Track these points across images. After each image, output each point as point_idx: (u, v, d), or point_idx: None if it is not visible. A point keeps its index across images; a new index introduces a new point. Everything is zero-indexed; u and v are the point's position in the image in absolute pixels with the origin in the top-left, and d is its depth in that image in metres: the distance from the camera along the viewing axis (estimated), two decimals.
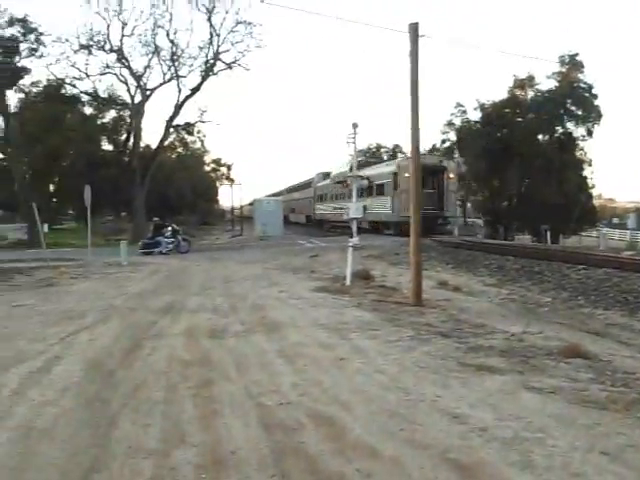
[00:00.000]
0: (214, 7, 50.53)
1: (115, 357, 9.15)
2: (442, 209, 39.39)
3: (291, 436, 5.87)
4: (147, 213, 51.13)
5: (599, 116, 60.29)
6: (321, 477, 5.09)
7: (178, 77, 52.47)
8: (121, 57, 51.76)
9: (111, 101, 56.64)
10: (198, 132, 63.76)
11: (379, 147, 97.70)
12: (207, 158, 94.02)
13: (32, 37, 49.81)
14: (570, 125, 61.76)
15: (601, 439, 5.72)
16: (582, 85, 60.41)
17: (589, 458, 5.35)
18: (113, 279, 20.53)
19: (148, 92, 53.03)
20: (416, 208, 14.65)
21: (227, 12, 54.42)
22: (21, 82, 52.76)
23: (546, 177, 56.74)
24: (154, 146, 56.98)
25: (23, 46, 49.69)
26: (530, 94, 63.66)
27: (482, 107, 65.08)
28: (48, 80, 53.83)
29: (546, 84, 62.50)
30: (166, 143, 58.56)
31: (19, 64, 49.93)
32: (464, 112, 68.13)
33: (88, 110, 58.24)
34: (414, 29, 14.35)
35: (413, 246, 14.55)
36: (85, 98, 55.86)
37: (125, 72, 52.73)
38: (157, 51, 52.12)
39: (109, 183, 52.19)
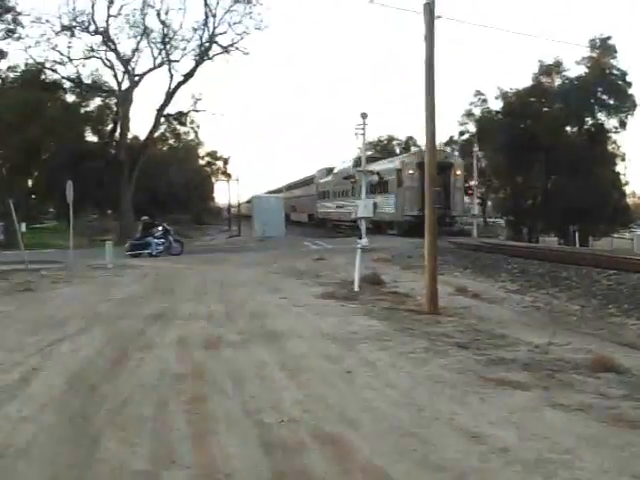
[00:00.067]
0: None
1: (99, 369, 9.15)
2: (449, 208, 39.94)
3: (293, 457, 5.87)
4: (135, 211, 50.82)
5: (633, 106, 60.25)
6: None
7: (170, 62, 52.62)
8: (107, 39, 51.84)
9: (96, 88, 56.45)
10: (191, 122, 63.78)
11: (391, 139, 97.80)
12: (201, 151, 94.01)
13: (9, 17, 49.91)
14: (601, 116, 61.85)
15: (633, 461, 5.70)
16: (615, 72, 60.37)
17: None
18: (98, 283, 20.54)
19: (137, 78, 53.22)
20: (431, 207, 14.66)
21: None
22: None
23: (574, 173, 56.61)
24: (143, 137, 57.28)
25: None
26: (557, 81, 63.67)
27: (504, 96, 65.09)
28: (27, 65, 53.86)
29: (575, 70, 62.52)
30: (156, 134, 58.64)
31: None
32: (484, 101, 68.30)
33: (71, 98, 58.16)
34: (429, 10, 14.33)
35: (428, 249, 14.55)
36: (67, 84, 55.90)
37: (111, 56, 52.93)
38: (147, 33, 52.26)
39: (93, 178, 52.17)
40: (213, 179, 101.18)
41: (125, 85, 53.25)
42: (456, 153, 62.36)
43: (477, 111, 69.30)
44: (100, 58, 52.94)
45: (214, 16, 51.20)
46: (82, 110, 59.02)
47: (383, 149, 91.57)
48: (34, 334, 11.76)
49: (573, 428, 6.52)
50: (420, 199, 38.16)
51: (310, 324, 12.64)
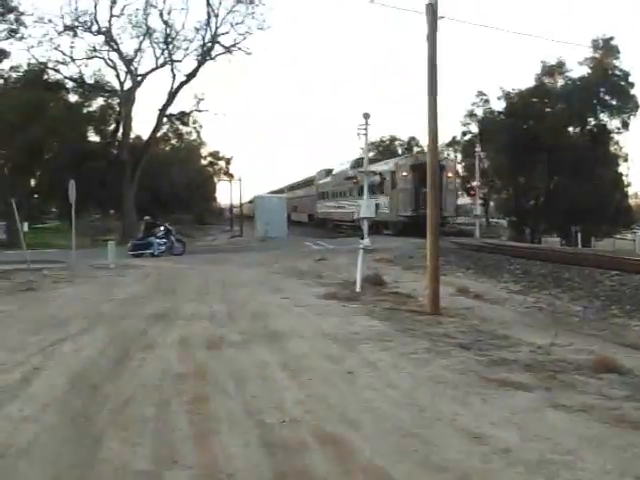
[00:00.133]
0: None
1: (102, 369, 9.15)
2: (440, 209, 39.09)
3: (294, 457, 5.86)
4: (137, 211, 50.67)
5: (636, 106, 60.19)
6: None
7: (172, 62, 52.57)
8: (109, 39, 51.82)
9: (98, 88, 56.39)
10: (194, 122, 63.76)
11: (393, 139, 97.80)
12: (204, 151, 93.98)
13: (11, 17, 49.86)
14: (604, 116, 61.78)
15: (635, 462, 5.69)
16: (617, 72, 60.33)
17: None
18: (100, 283, 20.55)
19: (139, 78, 53.18)
20: (433, 207, 14.67)
21: None
22: None
23: (577, 174, 56.56)
24: (145, 137, 57.18)
25: (1, 27, 49.73)
26: (560, 82, 63.62)
27: (507, 96, 65.06)
28: (29, 65, 53.77)
29: (577, 71, 62.47)
30: (159, 134, 58.63)
31: None
32: (487, 101, 68.27)
33: (73, 98, 58.11)
34: (432, 11, 14.32)
35: (430, 249, 14.55)
36: (70, 84, 55.86)
37: (114, 56, 52.92)
38: (149, 33, 52.21)
39: (96, 178, 52.13)
40: (215, 179, 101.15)
41: (127, 85, 53.29)
42: (448, 154, 62.44)
43: (479, 111, 69.31)
44: (103, 58, 53.03)
45: (216, 16, 51.22)
46: (85, 110, 58.94)
47: (385, 149, 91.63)
48: (36, 334, 11.77)
49: (575, 429, 6.51)
50: (413, 200, 40.96)
51: (312, 324, 12.64)
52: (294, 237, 48.29)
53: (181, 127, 64.40)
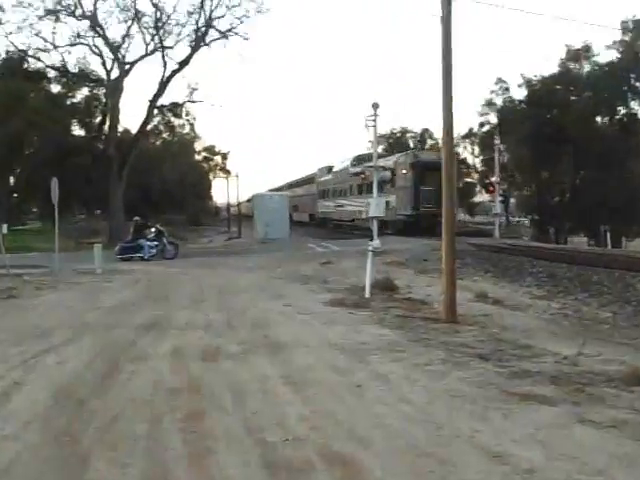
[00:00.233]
0: None
1: (88, 383, 9.17)
2: (439, 207, 40.57)
3: (299, 479, 5.87)
4: (126, 211, 50.63)
5: None
6: None
7: (163, 48, 52.44)
8: (95, 24, 51.64)
9: (83, 77, 56.43)
10: (187, 114, 63.85)
11: (404, 132, 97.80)
12: (198, 145, 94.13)
13: None
14: (635, 104, 61.67)
15: None
16: None
17: None
18: (86, 290, 20.58)
19: (127, 66, 53.02)
20: (448, 206, 14.70)
21: None
22: None
23: (605, 167, 56.41)
24: (134, 131, 57.08)
25: None
26: (586, 68, 63.48)
27: (528, 83, 64.95)
28: (8, 52, 53.79)
29: (605, 55, 62.32)
30: (149, 127, 58.64)
31: None
32: (507, 89, 68.18)
33: (56, 88, 58.30)
34: None
35: (446, 251, 14.54)
36: (52, 73, 55.95)
37: (99, 42, 52.69)
38: (138, 17, 52.09)
39: (81, 175, 52.31)
40: (211, 176, 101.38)
41: (115, 74, 53.11)
42: (464, 146, 62.38)
43: (499, 100, 69.27)
44: (87, 45, 52.75)
45: None
46: (68, 101, 59.07)
47: (396, 142, 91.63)
48: (17, 345, 11.79)
49: (605, 446, 6.50)
50: (413, 199, 42.89)
51: (317, 333, 12.66)
52: (296, 238, 48.31)
53: (173, 119, 64.56)
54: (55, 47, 52.20)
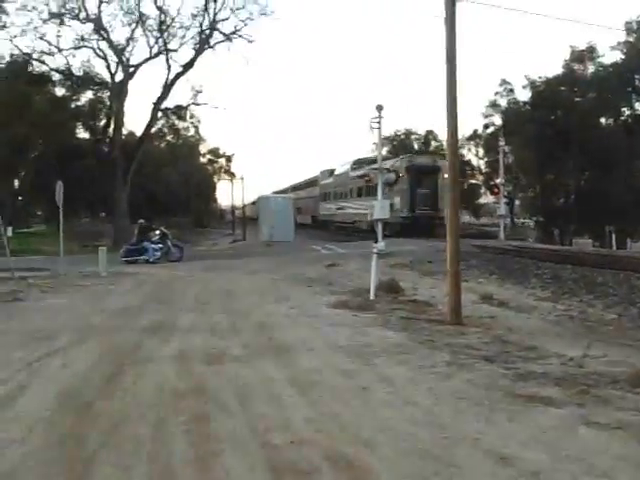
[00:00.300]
0: None
1: (93, 386, 9.16)
2: (437, 209, 44.33)
3: None
4: (131, 214, 50.66)
5: None
6: None
7: (167, 51, 52.60)
8: (99, 27, 51.78)
9: (87, 80, 56.48)
10: (191, 117, 64.07)
11: (409, 134, 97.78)
12: (202, 148, 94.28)
13: None
14: (639, 106, 61.46)
15: None
16: None
17: None
18: (90, 293, 20.59)
19: (131, 69, 53.22)
20: (453, 208, 14.64)
21: None
22: None
23: (610, 169, 56.21)
24: (139, 133, 57.18)
25: None
26: (591, 69, 63.34)
27: (532, 85, 64.86)
28: (12, 55, 53.85)
29: (610, 56, 62.16)
30: (153, 130, 58.83)
31: None
32: (511, 91, 68.12)
33: (60, 91, 58.26)
34: None
35: (450, 253, 14.52)
36: (56, 77, 56.06)
37: (104, 45, 52.92)
38: (142, 20, 52.28)
39: (85, 178, 52.31)
40: (215, 178, 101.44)
41: (119, 77, 53.29)
42: (469, 148, 62.68)
43: (503, 102, 69.20)
44: (92, 48, 52.98)
45: (215, 1, 51.23)
46: (72, 104, 59.05)
47: (400, 144, 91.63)
48: (22, 348, 11.78)
49: (611, 448, 6.49)
50: (409, 201, 44.61)
51: (322, 336, 12.64)
52: (301, 240, 48.33)
53: (177, 122, 64.74)
54: (59, 50, 52.44)
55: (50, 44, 51.67)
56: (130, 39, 52.62)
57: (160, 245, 33.81)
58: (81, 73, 55.59)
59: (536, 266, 25.20)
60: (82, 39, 52.18)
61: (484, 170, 79.88)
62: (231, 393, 8.63)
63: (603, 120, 62.68)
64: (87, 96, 59.55)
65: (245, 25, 51.36)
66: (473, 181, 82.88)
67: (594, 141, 56.64)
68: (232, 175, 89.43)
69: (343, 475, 5.95)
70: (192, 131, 73.00)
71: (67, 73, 54.79)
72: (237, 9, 51.20)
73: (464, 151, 79.73)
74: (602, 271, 22.28)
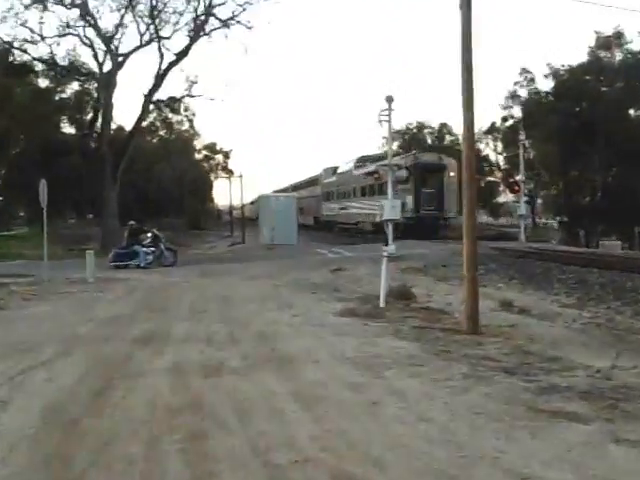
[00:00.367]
0: None
1: (80, 401, 9.16)
2: (442, 210, 46.50)
3: None
4: (120, 215, 50.33)
5: None
6: None
7: (159, 38, 52.28)
8: (85, 13, 51.46)
9: (73, 70, 56.24)
10: (185, 110, 64.13)
11: (421, 127, 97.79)
12: (198, 143, 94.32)
13: None
14: None
15: None
16: None
17: None
18: (77, 300, 20.62)
19: (121, 58, 52.88)
20: (470, 207, 14.61)
21: None
22: None
23: None
24: (129, 128, 57.06)
25: None
26: (618, 56, 63.34)
27: (555, 74, 64.90)
28: None
29: (639, 42, 62.21)
30: (144, 124, 58.67)
31: None
32: (532, 80, 68.19)
33: (43, 82, 58.27)
34: None
35: (467, 256, 14.49)
36: (39, 67, 55.87)
37: (91, 33, 52.52)
38: (132, 5, 51.91)
39: (71, 176, 52.37)
40: (212, 176, 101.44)
41: (107, 67, 52.85)
42: (487, 142, 62.78)
43: (523, 92, 69.36)
44: (77, 35, 52.43)
45: None
46: (57, 96, 59.06)
47: (412, 138, 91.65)
48: (2, 360, 11.80)
49: None
50: (413, 201, 45.48)
51: (328, 346, 12.64)
52: (304, 243, 48.31)
53: (171, 115, 64.79)
54: (43, 38, 51.94)
55: (32, 31, 51.27)
56: (119, 26, 52.21)
57: (152, 249, 33.73)
58: (66, 63, 55.25)
59: (560, 270, 25.21)
60: (67, 26, 51.81)
61: (503, 166, 79.95)
62: (230, 408, 8.64)
63: (632, 111, 62.70)
64: (73, 87, 59.61)
65: (244, 10, 50.92)
66: (491, 178, 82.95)
67: (622, 134, 56.59)
68: (230, 172, 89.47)
69: None
70: (186, 125, 73.39)
71: (51, 63, 54.47)
72: None
73: (481, 146, 79.99)
74: (631, 275, 22.28)
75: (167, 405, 8.85)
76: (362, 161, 58.79)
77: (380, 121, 18.99)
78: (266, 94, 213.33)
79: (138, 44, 52.46)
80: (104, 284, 24.72)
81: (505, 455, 6.83)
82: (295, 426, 7.90)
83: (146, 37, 52.14)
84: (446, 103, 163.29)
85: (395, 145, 78.42)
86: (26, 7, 49.82)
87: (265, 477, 6.40)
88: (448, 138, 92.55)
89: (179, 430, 7.80)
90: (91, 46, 52.53)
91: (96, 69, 54.03)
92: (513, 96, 70.04)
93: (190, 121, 70.08)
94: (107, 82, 52.30)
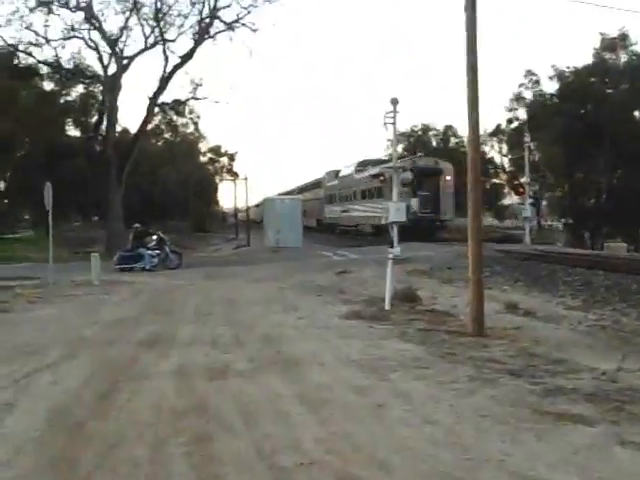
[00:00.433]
0: None
1: (85, 404, 9.17)
2: (438, 212, 47.90)
3: None
4: (125, 218, 50.30)
5: None
6: None
7: (164, 41, 52.24)
8: (90, 16, 51.38)
9: (78, 73, 56.15)
10: (190, 112, 64.00)
11: (426, 129, 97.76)
12: (203, 146, 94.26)
13: None
14: None
15: None
16: None
17: None
18: (82, 303, 20.63)
19: (125, 61, 52.81)
20: (475, 210, 14.59)
21: None
22: None
23: None
24: (134, 130, 56.97)
25: None
26: (623, 58, 63.24)
27: (560, 76, 64.84)
28: None
29: None
30: (149, 126, 58.55)
31: None
32: (537, 82, 68.15)
33: (48, 85, 58.22)
34: None
35: (472, 259, 14.47)
36: (45, 70, 55.75)
37: (96, 36, 52.43)
38: (137, 8, 51.84)
39: (76, 179, 52.33)
40: (217, 179, 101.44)
41: (112, 69, 52.71)
42: (492, 145, 62.89)
43: (528, 94, 69.30)
44: (82, 38, 52.32)
45: None
46: (62, 99, 59.01)
47: (417, 141, 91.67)
48: (8, 363, 11.82)
49: None
50: (417, 204, 46.18)
51: (333, 349, 12.64)
52: (309, 245, 48.29)
53: (176, 118, 64.75)
54: (48, 41, 51.83)
55: (37, 34, 51.14)
56: (124, 28, 52.12)
57: (157, 251, 33.70)
58: (71, 66, 55.10)
59: (565, 272, 25.17)
60: (72, 29, 51.71)
61: (508, 168, 79.90)
62: (235, 411, 8.64)
63: (637, 113, 62.60)
64: (78, 90, 59.53)
65: (248, 13, 50.85)
66: (496, 180, 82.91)
67: (627, 136, 56.53)
68: (235, 175, 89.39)
69: None
70: (191, 128, 73.32)
71: (56, 66, 54.36)
72: None
73: (486, 148, 79.91)
74: (637, 278, 22.22)
75: (172, 408, 8.85)
76: (363, 165, 59.90)
77: (385, 124, 18.99)
78: (270, 97, 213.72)
79: (143, 47, 52.41)
80: (109, 287, 24.73)
81: (511, 458, 6.82)
82: (300, 429, 7.90)
83: (151, 40, 52.12)
84: (451, 105, 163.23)
85: (400, 148, 78.46)
86: (31, 10, 49.77)
87: (270, 479, 6.39)
88: (453, 140, 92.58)
89: (184, 433, 7.80)
90: (96, 49, 52.49)
91: (101, 72, 53.98)
92: (518, 98, 70.05)
93: (195, 124, 70.14)
94: (112, 85, 52.20)
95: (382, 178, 33.32)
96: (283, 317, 16.73)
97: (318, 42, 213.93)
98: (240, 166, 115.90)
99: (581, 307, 18.41)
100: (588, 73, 62.95)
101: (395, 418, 8.25)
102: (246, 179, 71.20)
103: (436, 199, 48.00)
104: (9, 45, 52.21)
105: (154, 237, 34.60)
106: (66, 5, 50.34)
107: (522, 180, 49.98)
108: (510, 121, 72.98)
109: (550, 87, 66.87)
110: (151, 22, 51.84)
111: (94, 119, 59.06)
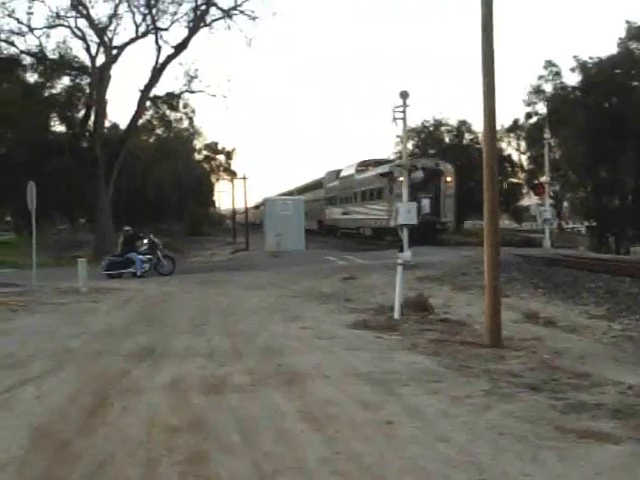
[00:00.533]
0: None
1: (72, 421, 9.17)
2: (438, 215, 49.45)
3: None
4: (115, 220, 50.42)
5: None
6: None
7: (157, 30, 52.24)
8: (77, 3, 51.42)
9: (64, 64, 55.91)
10: (185, 106, 63.76)
11: (438, 125, 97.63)
12: (198, 143, 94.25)
13: None
14: None
15: None
16: None
17: None
18: (68, 312, 20.64)
19: (115, 51, 52.84)
20: (491, 211, 14.58)
21: None
22: None
23: None
24: (124, 126, 57.08)
25: None
26: None
27: (583, 67, 64.70)
28: None
29: None
30: (141, 122, 58.48)
31: None
32: (557, 74, 67.96)
33: (32, 77, 58.10)
34: None
35: (488, 264, 14.45)
36: (28, 60, 55.63)
37: (83, 24, 52.39)
38: None
39: (62, 178, 52.28)
40: (213, 178, 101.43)
41: (100, 60, 52.67)
42: (509, 142, 63.13)
43: (548, 87, 69.11)
44: (68, 27, 52.27)
45: None
46: (46, 92, 58.78)
47: (428, 137, 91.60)
48: None
49: None
50: (429, 204, 48.36)
51: (339, 361, 12.64)
52: (312, 249, 48.38)
53: (169, 112, 64.41)
54: (31, 30, 51.79)
55: (20, 22, 51.08)
56: (113, 16, 51.98)
57: (149, 256, 33.70)
58: (56, 56, 54.86)
59: (588, 279, 25.17)
60: (57, 16, 51.62)
61: (526, 167, 79.85)
62: (233, 428, 8.64)
63: None
64: (63, 83, 59.14)
65: (247, 0, 51.04)
66: (514, 180, 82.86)
67: None
68: (233, 174, 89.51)
69: None
70: (186, 123, 73.05)
71: (40, 56, 54.20)
72: None
73: (503, 145, 79.84)
74: None
75: (166, 424, 8.85)
76: (363, 165, 60.52)
77: (394, 119, 18.95)
78: (270, 91, 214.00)
79: (134, 36, 52.37)
80: (97, 294, 24.74)
81: (530, 479, 6.82)
82: (304, 448, 7.89)
83: (142, 28, 52.09)
84: (465, 99, 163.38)
85: (410, 144, 78.46)
86: None
87: None
88: (467, 136, 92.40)
89: (179, 452, 7.80)
90: (83, 38, 52.36)
91: (88, 63, 53.80)
92: (537, 91, 69.87)
93: (190, 119, 69.85)
94: (100, 77, 52.00)
95: (391, 177, 33.44)
96: (285, 327, 16.74)
97: (323, 33, 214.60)
98: (238, 165, 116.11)
99: (605, 316, 18.42)
100: (613, 64, 62.73)
101: (405, 436, 8.24)
102: (245, 178, 71.08)
103: (436, 201, 49.34)
104: None
105: (145, 241, 34.59)
106: None
107: (542, 179, 50.16)
108: (529, 116, 72.93)
109: (572, 79, 66.80)
110: (142, 9, 51.80)
111: (81, 114, 58.81)
